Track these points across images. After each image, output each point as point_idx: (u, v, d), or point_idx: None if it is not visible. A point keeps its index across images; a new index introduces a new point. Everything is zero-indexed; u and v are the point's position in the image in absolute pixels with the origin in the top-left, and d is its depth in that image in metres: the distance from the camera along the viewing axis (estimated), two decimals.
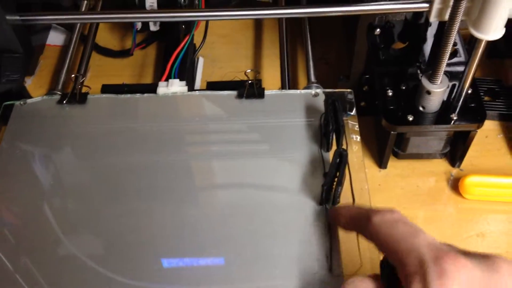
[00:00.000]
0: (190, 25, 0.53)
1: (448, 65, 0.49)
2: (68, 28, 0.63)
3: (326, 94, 0.46)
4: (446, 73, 0.44)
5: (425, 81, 0.44)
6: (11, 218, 0.41)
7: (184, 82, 0.48)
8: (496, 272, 0.27)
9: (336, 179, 0.38)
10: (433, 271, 0.27)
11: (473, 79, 0.47)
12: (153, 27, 0.59)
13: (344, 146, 0.42)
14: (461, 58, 0.50)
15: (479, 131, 0.48)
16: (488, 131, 0.53)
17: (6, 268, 0.37)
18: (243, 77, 0.49)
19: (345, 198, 0.40)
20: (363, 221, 0.31)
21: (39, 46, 0.63)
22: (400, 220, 0.30)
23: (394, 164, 0.51)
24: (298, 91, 0.46)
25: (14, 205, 0.41)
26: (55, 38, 0.64)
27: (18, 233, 0.39)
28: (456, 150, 0.50)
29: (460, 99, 0.46)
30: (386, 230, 0.30)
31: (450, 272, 0.26)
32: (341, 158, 0.38)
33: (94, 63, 0.62)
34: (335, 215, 0.36)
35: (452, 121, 0.45)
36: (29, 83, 0.60)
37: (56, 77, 0.56)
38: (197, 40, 0.58)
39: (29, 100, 0.46)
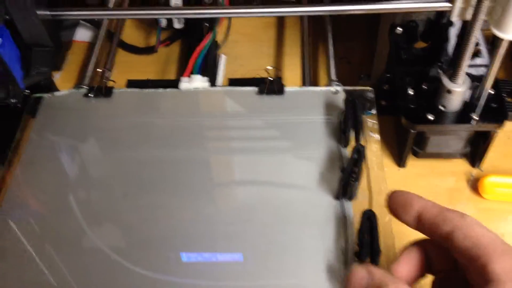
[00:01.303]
0: (213, 23, 0.54)
1: (471, 66, 0.49)
2: (95, 25, 0.65)
3: (346, 91, 0.46)
4: (468, 74, 0.44)
5: (445, 80, 0.44)
6: (37, 205, 0.42)
7: (206, 78, 0.49)
8: None
9: (353, 174, 0.38)
10: None
11: (495, 80, 0.46)
12: (177, 25, 0.60)
13: (362, 143, 0.42)
14: (483, 59, 0.50)
15: (501, 132, 0.48)
16: (511, 132, 0.53)
17: (30, 255, 0.38)
18: (264, 75, 0.50)
19: (362, 194, 0.40)
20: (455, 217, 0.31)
21: (67, 42, 0.65)
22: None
23: (413, 164, 0.51)
24: (318, 88, 0.47)
25: (41, 193, 0.42)
26: (82, 35, 0.66)
27: (43, 221, 0.40)
28: (476, 150, 0.49)
29: (481, 99, 0.46)
30: (479, 229, 0.30)
31: None
32: (359, 154, 0.39)
33: (120, 59, 0.63)
34: None
35: (473, 121, 0.45)
36: (58, 77, 0.61)
37: (83, 72, 0.57)
38: (220, 39, 0.59)
39: (56, 93, 0.48)
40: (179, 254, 0.38)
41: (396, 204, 0.33)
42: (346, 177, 0.38)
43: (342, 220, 0.38)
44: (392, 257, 0.37)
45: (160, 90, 0.48)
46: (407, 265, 0.32)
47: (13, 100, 0.42)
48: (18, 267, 0.38)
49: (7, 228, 0.40)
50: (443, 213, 0.32)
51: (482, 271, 0.28)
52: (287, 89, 0.47)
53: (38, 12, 0.41)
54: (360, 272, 0.31)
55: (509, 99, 0.54)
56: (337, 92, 0.46)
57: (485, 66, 0.48)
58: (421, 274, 0.32)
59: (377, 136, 0.44)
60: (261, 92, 0.47)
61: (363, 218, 0.35)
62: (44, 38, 0.42)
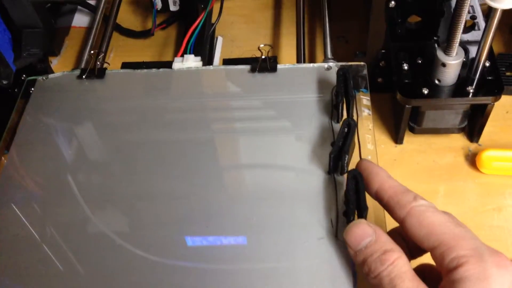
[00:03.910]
0: (206, 3, 0.54)
1: (468, 41, 0.48)
2: (93, 10, 0.65)
3: (338, 67, 0.46)
4: (464, 46, 0.44)
5: (440, 53, 0.44)
6: (34, 187, 0.42)
7: (199, 58, 0.49)
8: None
9: (344, 148, 0.38)
10: (491, 259, 0.27)
11: (491, 52, 0.46)
12: (173, 7, 0.60)
13: (355, 118, 0.42)
14: (481, 32, 0.49)
15: (499, 106, 0.47)
16: (510, 106, 0.52)
17: (33, 237, 0.38)
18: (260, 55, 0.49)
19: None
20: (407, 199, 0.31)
21: (65, 28, 0.65)
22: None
23: (410, 140, 0.51)
24: (311, 65, 0.46)
25: (37, 175, 0.42)
26: (80, 20, 0.66)
27: (42, 202, 0.40)
28: (474, 124, 0.49)
29: (477, 72, 0.45)
30: (431, 215, 0.30)
31: (508, 266, 0.27)
32: (349, 127, 0.38)
33: (117, 44, 0.63)
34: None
35: (468, 94, 0.45)
36: (55, 63, 0.62)
37: (80, 57, 0.57)
38: (219, 21, 0.58)
39: (50, 76, 0.48)
40: (181, 237, 0.37)
41: (362, 175, 0.34)
42: (336, 151, 0.37)
43: (333, 193, 0.38)
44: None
45: (153, 70, 0.48)
46: None
47: (4, 82, 0.42)
48: (18, 249, 0.38)
49: (3, 210, 0.40)
50: (397, 196, 0.31)
51: (442, 260, 0.28)
52: (280, 66, 0.46)
53: None
54: (366, 229, 0.31)
55: (508, 73, 0.53)
56: (330, 68, 0.46)
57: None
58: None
59: (369, 112, 0.43)
60: (253, 70, 0.46)
61: (348, 177, 0.35)
62: (34, 20, 0.42)
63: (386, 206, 0.32)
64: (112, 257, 0.37)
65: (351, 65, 0.46)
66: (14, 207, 0.41)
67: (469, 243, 0.28)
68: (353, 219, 0.33)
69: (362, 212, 0.33)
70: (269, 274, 0.35)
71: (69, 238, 0.38)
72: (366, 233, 0.31)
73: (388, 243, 0.30)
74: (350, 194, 0.34)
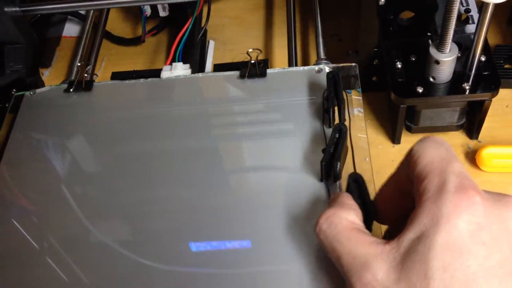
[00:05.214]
0: (194, 8, 0.53)
1: (462, 34, 0.47)
2: (82, 19, 0.64)
3: (330, 69, 0.45)
4: (459, 44, 0.42)
5: (433, 50, 0.42)
6: (26, 203, 0.42)
7: (187, 65, 0.48)
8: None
9: (335, 154, 0.37)
10: (449, 200, 0.25)
11: (486, 46, 0.44)
12: (162, 13, 0.59)
13: (347, 122, 0.41)
14: (474, 25, 0.47)
15: (499, 100, 0.46)
16: (509, 101, 0.51)
17: (33, 250, 0.38)
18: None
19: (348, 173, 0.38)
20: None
21: (56, 38, 0.64)
22: (444, 144, 0.28)
23: (408, 139, 0.49)
24: (301, 68, 0.45)
25: (30, 191, 0.42)
26: (71, 29, 0.65)
27: (38, 218, 0.40)
28: (472, 121, 0.47)
29: (472, 68, 0.44)
30: (426, 146, 0.28)
31: (463, 208, 0.25)
32: (340, 133, 0.37)
33: (108, 52, 0.62)
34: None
35: (465, 91, 0.43)
36: (47, 74, 0.61)
37: (71, 68, 0.57)
38: (209, 24, 0.57)
39: (38, 90, 0.47)
40: (184, 243, 0.37)
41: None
42: (327, 158, 0.36)
43: (326, 201, 0.37)
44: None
45: (141, 80, 0.47)
46: None
47: None
48: (15, 266, 0.38)
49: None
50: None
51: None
52: (270, 71, 0.45)
53: (6, 9, 0.40)
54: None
55: (507, 65, 0.52)
56: (321, 70, 0.45)
57: None
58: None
59: (361, 113, 0.42)
60: (242, 76, 0.45)
61: (349, 181, 0.33)
62: (15, 35, 0.42)
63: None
64: (116, 266, 0.37)
65: (343, 66, 0.45)
66: (10, 221, 0.40)
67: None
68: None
69: (371, 216, 0.32)
70: (274, 277, 0.35)
71: (66, 249, 0.38)
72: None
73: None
74: (354, 199, 0.32)
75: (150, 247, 0.37)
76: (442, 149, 0.28)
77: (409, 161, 0.29)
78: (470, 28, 0.48)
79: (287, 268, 0.35)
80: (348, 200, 0.31)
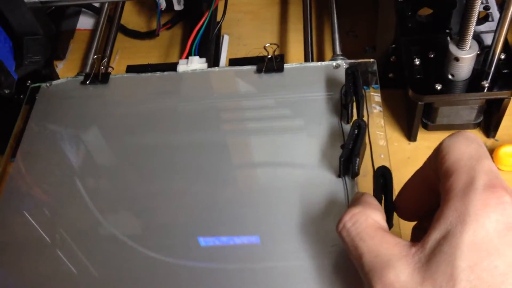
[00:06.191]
0: (210, 2, 0.52)
1: (482, 32, 0.47)
2: (97, 11, 0.64)
3: (347, 65, 0.45)
4: (478, 38, 0.42)
5: (452, 47, 0.42)
6: (41, 194, 0.42)
7: (204, 59, 0.48)
8: None
9: (354, 151, 0.36)
10: (477, 199, 0.24)
11: (506, 43, 0.44)
12: (177, 6, 0.59)
13: (365, 118, 0.41)
14: (494, 23, 0.47)
15: None
16: None
17: (44, 242, 0.38)
18: (266, 53, 0.48)
19: (365, 170, 0.38)
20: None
21: (70, 31, 0.64)
22: (475, 141, 0.28)
23: (424, 137, 0.49)
24: (318, 63, 0.45)
25: (45, 183, 0.42)
26: (85, 22, 0.65)
27: (51, 210, 0.40)
28: (490, 119, 0.47)
29: (492, 65, 0.43)
30: (456, 142, 0.27)
31: (492, 207, 0.24)
32: (359, 129, 0.37)
33: (122, 46, 0.62)
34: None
35: (484, 89, 0.43)
36: (61, 67, 0.61)
37: (85, 60, 0.57)
38: (224, 18, 0.56)
39: (54, 82, 0.47)
40: (194, 238, 0.37)
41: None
42: (346, 153, 0.36)
43: (345, 198, 0.37)
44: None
45: (158, 73, 0.47)
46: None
47: (6, 91, 0.41)
48: (30, 257, 0.38)
49: (9, 219, 0.40)
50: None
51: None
52: (287, 66, 0.45)
53: (26, 1, 0.40)
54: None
55: None
56: (339, 66, 0.44)
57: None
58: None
59: (380, 109, 0.42)
60: (259, 70, 0.45)
61: (376, 174, 0.33)
62: (34, 27, 0.41)
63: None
64: (125, 259, 0.37)
65: (360, 62, 0.45)
66: (24, 213, 0.40)
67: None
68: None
69: (390, 213, 0.32)
70: (283, 273, 0.34)
71: (81, 241, 0.38)
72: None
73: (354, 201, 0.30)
74: (377, 193, 0.32)
75: (160, 241, 0.37)
76: (472, 146, 0.27)
77: (437, 157, 0.28)
78: (489, 25, 0.47)
79: (300, 264, 0.34)
80: (373, 200, 0.31)
